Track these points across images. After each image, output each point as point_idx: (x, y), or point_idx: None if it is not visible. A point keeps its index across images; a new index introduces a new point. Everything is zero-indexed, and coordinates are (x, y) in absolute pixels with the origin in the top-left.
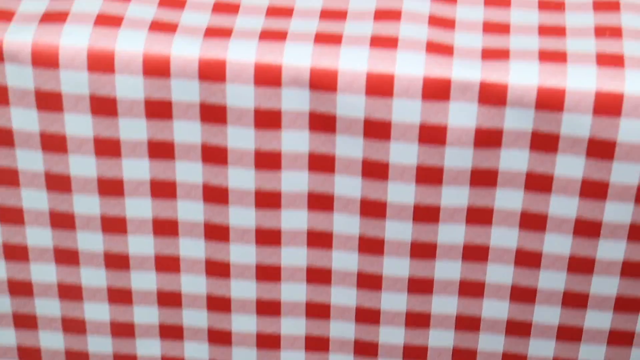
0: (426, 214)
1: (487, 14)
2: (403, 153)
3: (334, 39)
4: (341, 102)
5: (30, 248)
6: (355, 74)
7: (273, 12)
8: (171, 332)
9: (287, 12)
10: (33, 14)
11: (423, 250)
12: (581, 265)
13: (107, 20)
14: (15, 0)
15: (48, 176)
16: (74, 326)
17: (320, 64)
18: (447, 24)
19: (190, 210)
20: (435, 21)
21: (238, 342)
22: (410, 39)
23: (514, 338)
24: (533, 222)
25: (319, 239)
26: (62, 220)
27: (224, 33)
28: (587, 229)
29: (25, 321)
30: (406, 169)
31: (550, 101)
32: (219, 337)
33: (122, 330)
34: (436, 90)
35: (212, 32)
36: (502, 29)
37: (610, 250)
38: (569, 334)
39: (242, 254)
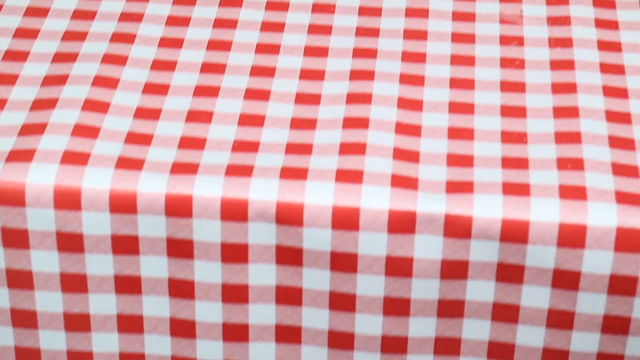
0: (394, 345)
1: (450, 147)
2: (370, 285)
3: (300, 174)
4: (307, 236)
5: None
6: (321, 208)
7: (239, 146)
8: None
9: (252, 147)
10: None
11: None
12: None
13: (74, 158)
14: None
15: (14, 312)
16: None
17: (286, 198)
18: (411, 156)
19: (157, 344)
20: (399, 154)
21: None
22: (375, 173)
23: None
24: (501, 351)
25: None
26: (28, 356)
27: (190, 169)
28: (554, 358)
29: None
30: (373, 301)
31: (514, 233)
32: None
33: None
34: (402, 223)
35: (178, 168)
36: (466, 161)
37: None
38: None
39: None
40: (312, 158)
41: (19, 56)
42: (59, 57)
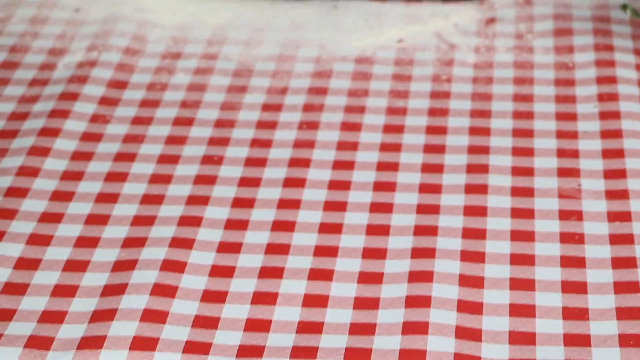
0: None
1: (512, 324)
2: None
3: (363, 354)
4: None
5: None
6: None
7: (304, 328)
8: None
9: (317, 328)
10: (71, 339)
11: None
12: None
13: (143, 344)
14: (54, 327)
15: None
16: None
17: None
18: (474, 335)
19: None
20: (462, 332)
21: None
22: (438, 352)
23: None
24: None
25: None
26: None
27: (256, 352)
28: None
29: None
30: None
31: None
32: None
33: None
34: None
35: (245, 352)
36: (528, 339)
37: None
38: None
39: None
40: (376, 338)
41: (90, 242)
42: (128, 242)
